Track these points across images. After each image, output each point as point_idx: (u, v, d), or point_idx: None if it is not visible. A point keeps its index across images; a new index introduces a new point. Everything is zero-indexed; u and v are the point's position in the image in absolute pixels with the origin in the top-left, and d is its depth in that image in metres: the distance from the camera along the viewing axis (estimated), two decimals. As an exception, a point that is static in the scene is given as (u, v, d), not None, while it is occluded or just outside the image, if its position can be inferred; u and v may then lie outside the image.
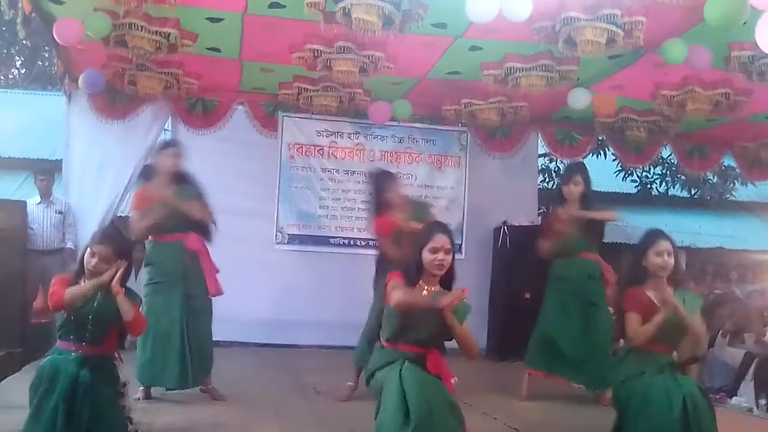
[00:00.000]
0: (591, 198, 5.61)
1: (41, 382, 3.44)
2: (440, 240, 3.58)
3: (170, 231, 5.17)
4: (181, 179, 5.27)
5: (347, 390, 5.41)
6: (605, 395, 5.38)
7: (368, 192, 5.79)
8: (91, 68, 6.67)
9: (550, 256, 5.61)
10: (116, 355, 3.77)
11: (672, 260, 3.92)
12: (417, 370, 3.45)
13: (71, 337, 3.58)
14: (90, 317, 3.54)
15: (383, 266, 5.23)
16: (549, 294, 5.70)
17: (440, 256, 3.57)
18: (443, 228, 3.69)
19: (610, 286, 5.53)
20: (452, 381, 3.55)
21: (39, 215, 7.08)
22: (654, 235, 4.01)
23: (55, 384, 3.39)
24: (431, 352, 3.60)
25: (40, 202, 7.15)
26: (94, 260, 3.61)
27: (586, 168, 5.76)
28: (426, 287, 3.63)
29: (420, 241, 3.63)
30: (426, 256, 3.58)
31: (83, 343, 3.56)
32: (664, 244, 3.94)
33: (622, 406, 3.91)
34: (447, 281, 3.67)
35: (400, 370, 3.43)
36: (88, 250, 3.66)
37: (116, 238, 3.78)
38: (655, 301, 3.89)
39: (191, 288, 5.16)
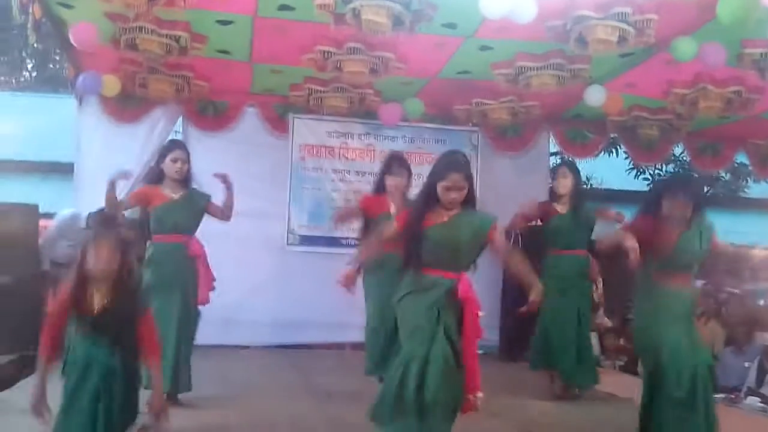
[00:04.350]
0: (582, 194, 5.88)
1: (75, 369, 3.36)
2: (454, 178, 3.60)
3: (174, 232, 5.07)
4: (188, 184, 5.19)
5: None
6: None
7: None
8: (88, 71, 6.67)
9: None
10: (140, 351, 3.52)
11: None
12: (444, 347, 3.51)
13: (92, 337, 3.41)
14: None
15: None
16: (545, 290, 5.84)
17: (452, 195, 3.61)
18: (458, 165, 3.66)
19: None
20: (479, 314, 3.60)
21: (78, 234, 6.69)
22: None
23: (90, 372, 3.31)
24: (461, 277, 3.64)
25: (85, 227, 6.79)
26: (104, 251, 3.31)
27: (575, 164, 5.92)
28: (444, 212, 3.66)
29: (434, 177, 3.65)
30: (440, 192, 3.61)
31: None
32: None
33: (646, 357, 4.26)
34: (469, 204, 3.70)
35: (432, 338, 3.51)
36: (91, 248, 3.34)
37: (112, 224, 3.64)
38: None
39: (189, 293, 5.07)
